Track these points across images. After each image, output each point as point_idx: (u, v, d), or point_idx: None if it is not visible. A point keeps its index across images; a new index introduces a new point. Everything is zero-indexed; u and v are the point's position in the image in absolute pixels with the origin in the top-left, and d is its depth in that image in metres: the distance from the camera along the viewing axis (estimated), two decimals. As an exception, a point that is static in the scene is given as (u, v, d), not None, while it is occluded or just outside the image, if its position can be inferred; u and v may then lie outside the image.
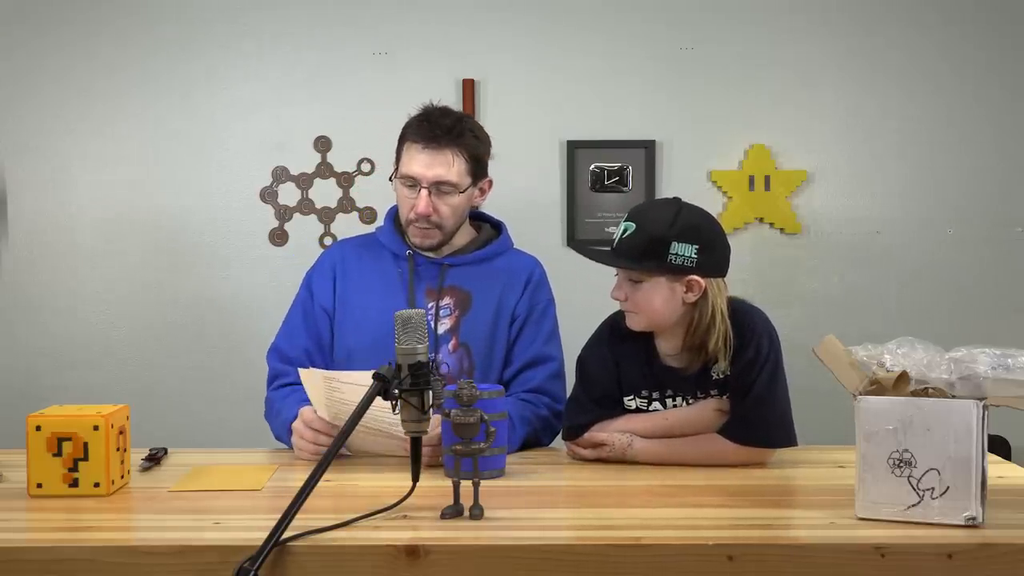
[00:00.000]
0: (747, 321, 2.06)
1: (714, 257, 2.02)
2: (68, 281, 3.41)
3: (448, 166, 2.26)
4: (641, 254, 1.99)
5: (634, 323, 2.07)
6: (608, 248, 2.06)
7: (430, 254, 2.36)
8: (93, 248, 3.41)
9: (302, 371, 2.08)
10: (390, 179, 2.36)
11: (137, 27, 3.39)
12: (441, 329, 2.30)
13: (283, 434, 2.22)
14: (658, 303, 2.02)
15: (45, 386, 3.34)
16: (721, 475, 1.95)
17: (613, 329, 2.13)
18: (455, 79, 3.40)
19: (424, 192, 2.26)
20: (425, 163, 2.26)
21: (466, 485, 1.67)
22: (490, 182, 2.40)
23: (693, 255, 1.98)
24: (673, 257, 1.98)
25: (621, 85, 3.43)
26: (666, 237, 1.97)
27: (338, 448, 1.58)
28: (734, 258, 2.09)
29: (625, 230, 2.01)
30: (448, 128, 2.27)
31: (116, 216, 3.41)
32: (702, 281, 2.00)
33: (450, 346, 2.30)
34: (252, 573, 1.40)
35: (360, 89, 3.41)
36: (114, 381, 3.37)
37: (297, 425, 2.11)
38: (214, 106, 3.41)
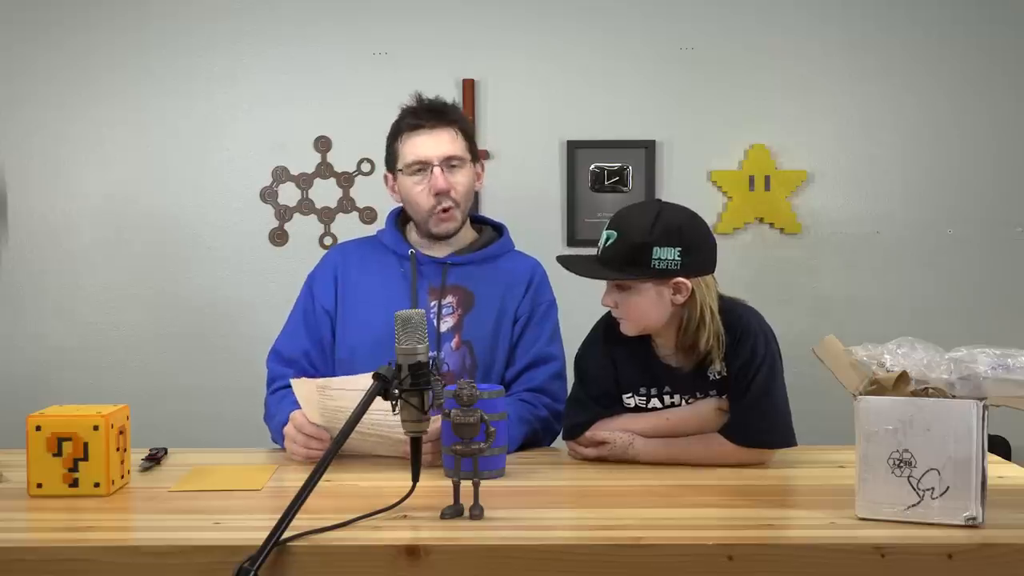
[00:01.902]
0: (742, 322, 2.05)
1: (699, 257, 2.01)
2: (68, 281, 3.42)
3: (453, 141, 2.32)
4: (624, 262, 1.98)
5: (626, 329, 2.06)
6: (593, 255, 2.05)
7: (433, 253, 2.36)
8: (93, 248, 3.42)
9: (294, 382, 2.08)
10: (395, 175, 2.37)
11: (137, 28, 3.40)
12: (444, 327, 2.30)
13: (278, 436, 2.22)
14: (647, 308, 2.01)
15: (45, 386, 3.34)
16: (721, 475, 1.95)
17: (608, 327, 2.12)
18: (455, 79, 3.40)
19: (437, 170, 2.30)
20: (431, 144, 2.31)
21: (466, 485, 1.67)
22: (483, 165, 2.46)
23: (676, 257, 1.97)
24: (656, 262, 1.97)
25: (621, 85, 3.43)
26: (647, 242, 1.96)
27: (337, 449, 1.58)
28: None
29: (607, 238, 2.00)
30: (442, 109, 2.35)
31: (116, 216, 3.41)
32: (688, 282, 1.99)
33: (452, 344, 2.30)
34: (252, 573, 1.40)
35: (360, 89, 3.41)
36: (114, 381, 3.37)
37: (288, 430, 2.12)
38: (214, 106, 3.41)
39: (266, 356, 2.39)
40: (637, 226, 1.98)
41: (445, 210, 2.31)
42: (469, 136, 2.38)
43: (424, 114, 2.33)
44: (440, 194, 2.30)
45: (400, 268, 2.36)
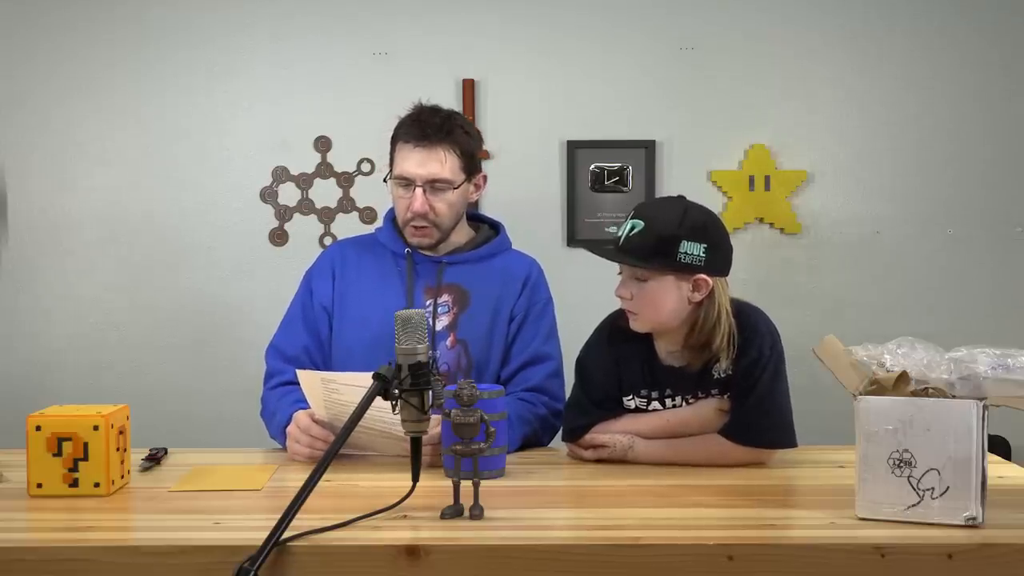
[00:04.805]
0: (751, 322, 2.05)
1: (720, 256, 2.01)
2: (68, 281, 3.41)
3: (441, 163, 2.28)
4: (650, 252, 1.97)
5: (638, 325, 2.05)
6: (613, 245, 2.04)
7: (428, 252, 2.36)
8: (93, 248, 3.41)
9: (300, 373, 2.08)
10: (385, 180, 2.37)
11: (137, 27, 3.40)
12: (439, 326, 2.31)
13: (278, 435, 2.22)
14: (664, 301, 2.00)
15: (45, 386, 3.34)
16: (721, 475, 1.95)
17: (612, 329, 2.12)
18: (455, 79, 3.40)
19: (419, 191, 2.28)
20: (418, 162, 2.27)
21: (466, 485, 1.67)
22: (484, 177, 2.42)
23: (701, 254, 1.97)
24: (683, 256, 1.96)
25: (621, 85, 3.43)
26: (676, 235, 1.96)
27: (338, 448, 1.58)
28: (734, 258, 2.09)
29: (632, 227, 1.99)
30: (439, 126, 2.28)
31: (116, 216, 3.41)
32: (709, 280, 1.99)
33: (448, 343, 2.30)
34: (252, 573, 1.40)
35: (360, 89, 3.41)
36: (114, 381, 3.37)
37: (292, 429, 2.12)
38: (214, 106, 3.41)
39: (264, 351, 2.39)
40: (665, 218, 1.98)
41: (419, 227, 2.31)
42: (467, 152, 2.32)
43: (419, 129, 2.28)
44: (416, 215, 2.29)
45: (396, 267, 2.37)
